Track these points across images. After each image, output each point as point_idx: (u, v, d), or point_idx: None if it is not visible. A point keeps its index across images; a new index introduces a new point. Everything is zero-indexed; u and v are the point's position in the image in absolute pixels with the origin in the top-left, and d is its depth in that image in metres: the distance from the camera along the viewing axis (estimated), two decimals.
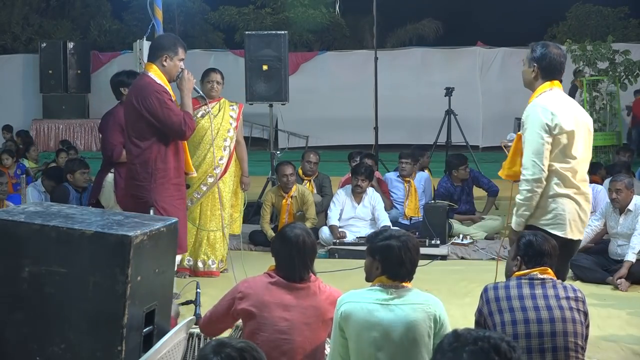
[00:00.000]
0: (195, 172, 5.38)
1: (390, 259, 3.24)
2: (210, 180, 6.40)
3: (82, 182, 7.33)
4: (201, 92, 5.54)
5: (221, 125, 6.47)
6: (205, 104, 6.10)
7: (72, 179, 7.37)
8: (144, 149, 4.84)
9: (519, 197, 4.05)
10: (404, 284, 3.25)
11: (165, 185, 4.88)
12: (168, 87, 4.91)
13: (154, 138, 4.84)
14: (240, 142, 6.72)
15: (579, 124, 4.10)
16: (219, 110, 6.50)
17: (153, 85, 4.81)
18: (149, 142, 4.84)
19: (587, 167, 4.18)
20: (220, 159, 6.43)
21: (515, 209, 4.10)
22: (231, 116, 6.56)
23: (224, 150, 6.47)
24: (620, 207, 6.35)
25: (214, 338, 3.61)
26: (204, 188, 6.40)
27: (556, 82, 4.15)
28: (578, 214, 4.10)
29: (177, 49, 4.93)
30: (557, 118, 3.98)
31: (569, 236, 4.07)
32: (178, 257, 5.45)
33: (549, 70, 4.12)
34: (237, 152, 6.67)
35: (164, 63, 4.88)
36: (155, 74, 4.87)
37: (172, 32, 19.86)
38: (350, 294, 3.30)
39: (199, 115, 6.38)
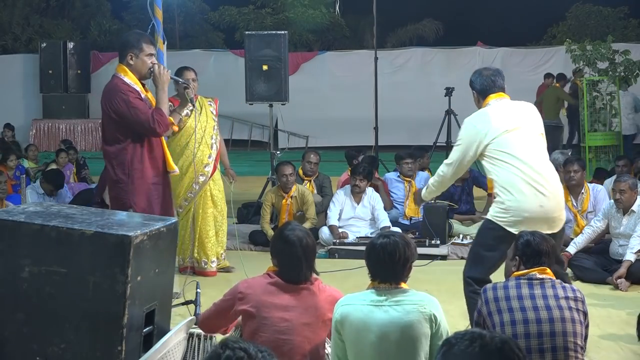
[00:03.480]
0: (177, 170, 5.27)
1: (370, 260, 3.27)
2: (202, 178, 6.37)
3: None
4: (182, 80, 5.44)
5: (207, 122, 6.42)
6: (190, 98, 6.00)
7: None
8: (119, 150, 4.78)
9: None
10: (399, 285, 3.25)
11: (144, 185, 4.82)
12: (138, 86, 4.83)
13: (128, 139, 4.78)
14: (219, 138, 6.69)
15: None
16: (201, 108, 6.44)
17: (119, 86, 4.75)
18: (124, 143, 4.78)
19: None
20: (209, 157, 6.41)
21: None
22: (212, 112, 6.52)
23: (212, 147, 6.44)
24: (623, 207, 6.34)
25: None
26: (197, 187, 6.36)
27: (491, 96, 4.45)
28: None
29: (142, 44, 4.81)
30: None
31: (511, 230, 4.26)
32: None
33: (482, 91, 4.49)
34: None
35: (130, 61, 4.79)
36: (124, 73, 4.80)
37: (172, 32, 19.91)
38: (346, 297, 3.31)
39: (183, 115, 6.32)
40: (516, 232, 3.91)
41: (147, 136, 4.83)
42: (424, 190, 4.73)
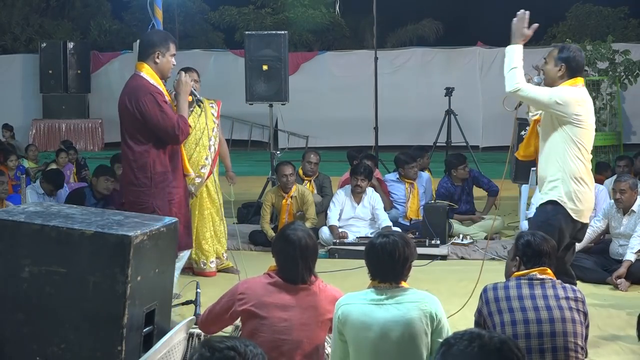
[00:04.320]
0: (193, 173, 5.24)
1: (371, 261, 3.26)
2: (198, 180, 6.35)
3: (102, 189, 7.27)
4: (199, 96, 5.48)
5: (206, 124, 6.41)
6: (198, 105, 5.98)
7: (96, 183, 7.32)
8: (141, 153, 4.68)
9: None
10: (399, 284, 3.25)
11: (166, 189, 4.74)
12: (162, 87, 4.76)
13: (150, 142, 4.69)
14: (221, 140, 6.67)
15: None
16: (202, 110, 6.43)
17: (147, 87, 4.65)
18: (146, 145, 4.67)
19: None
20: (206, 158, 6.40)
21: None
22: (212, 114, 6.51)
23: (209, 149, 6.43)
24: (624, 207, 6.34)
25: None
26: (192, 188, 6.33)
27: (580, 78, 4.49)
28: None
29: (169, 44, 4.76)
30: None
31: (581, 220, 4.52)
32: (187, 253, 5.40)
33: (575, 69, 4.48)
34: (219, 149, 6.65)
35: (157, 60, 4.71)
36: (148, 73, 4.70)
37: (172, 32, 19.89)
38: (346, 296, 3.31)
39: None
40: (576, 219, 4.39)
41: (166, 142, 4.73)
42: (514, 55, 4.50)
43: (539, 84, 4.58)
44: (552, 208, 4.42)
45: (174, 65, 4.80)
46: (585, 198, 4.44)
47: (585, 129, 4.39)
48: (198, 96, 5.47)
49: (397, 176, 8.36)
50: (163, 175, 4.73)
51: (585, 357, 3.49)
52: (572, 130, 4.36)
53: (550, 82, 4.52)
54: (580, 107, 4.37)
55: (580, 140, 4.38)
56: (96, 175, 7.40)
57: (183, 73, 4.83)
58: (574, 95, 4.37)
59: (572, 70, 4.45)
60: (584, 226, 4.59)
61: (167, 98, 4.80)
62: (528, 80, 4.53)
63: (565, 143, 4.38)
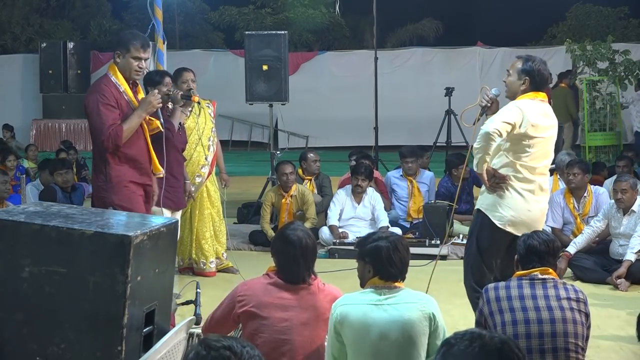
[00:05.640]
0: (163, 172, 5.17)
1: (381, 260, 3.25)
2: (198, 180, 6.36)
3: (60, 183, 7.44)
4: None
5: (205, 124, 6.42)
6: (179, 96, 5.91)
7: (53, 180, 7.48)
8: (98, 150, 4.72)
9: (475, 145, 4.23)
10: (396, 284, 3.26)
11: (123, 183, 4.72)
12: (125, 86, 4.74)
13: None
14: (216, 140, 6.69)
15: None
16: (200, 110, 6.42)
17: (100, 86, 4.70)
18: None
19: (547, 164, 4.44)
20: (206, 158, 6.40)
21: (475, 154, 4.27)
22: (210, 114, 6.52)
23: (209, 149, 6.44)
24: (624, 207, 6.34)
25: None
26: (192, 188, 6.33)
27: (541, 93, 4.30)
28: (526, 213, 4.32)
29: (130, 46, 4.74)
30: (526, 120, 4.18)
31: (508, 229, 4.29)
32: None
33: (539, 84, 4.30)
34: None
35: (117, 60, 4.78)
36: (113, 72, 4.78)
37: (172, 32, 19.90)
38: (344, 297, 3.31)
39: (185, 115, 6.31)
40: (505, 228, 4.29)
41: (95, 144, 4.74)
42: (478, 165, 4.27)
43: (497, 96, 4.43)
44: (477, 216, 4.43)
45: (140, 68, 4.77)
46: (517, 207, 4.24)
47: (530, 145, 4.21)
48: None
49: (401, 172, 8.36)
50: (118, 171, 4.72)
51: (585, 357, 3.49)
52: (513, 142, 4.21)
53: (511, 96, 4.33)
54: (532, 128, 4.17)
55: (522, 153, 4.22)
56: (51, 174, 7.52)
57: (155, 92, 4.81)
58: (516, 109, 4.15)
59: (535, 84, 4.24)
60: None
61: (129, 97, 4.74)
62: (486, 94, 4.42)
63: (501, 154, 4.27)
